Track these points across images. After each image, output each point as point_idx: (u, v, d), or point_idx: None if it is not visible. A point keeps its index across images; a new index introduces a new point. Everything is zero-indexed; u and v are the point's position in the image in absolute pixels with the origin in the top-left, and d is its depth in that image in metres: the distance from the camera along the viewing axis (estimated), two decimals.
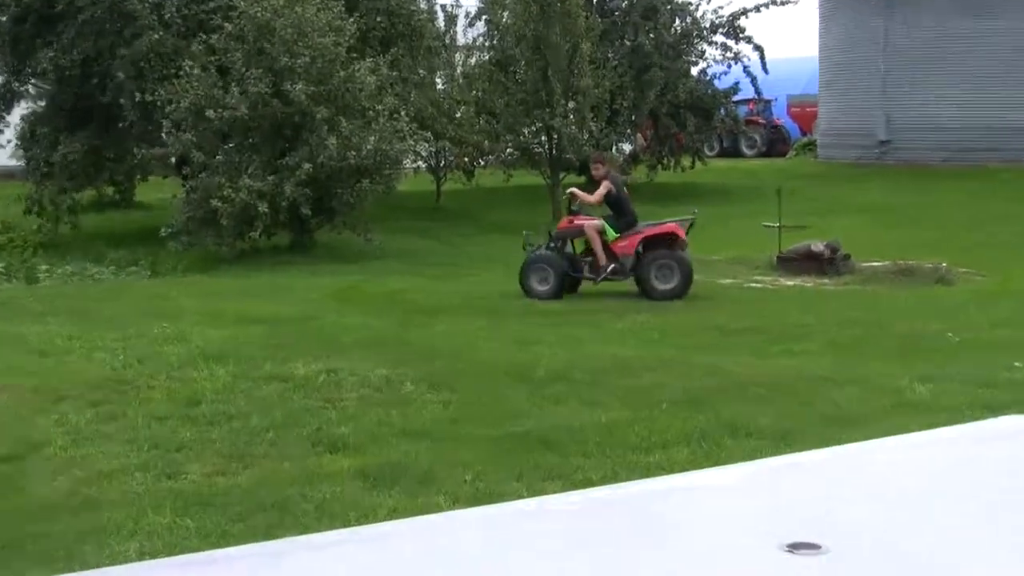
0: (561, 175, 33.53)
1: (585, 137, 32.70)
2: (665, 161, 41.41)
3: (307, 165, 24.08)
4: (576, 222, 19.25)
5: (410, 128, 25.76)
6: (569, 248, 19.42)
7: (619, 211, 19.20)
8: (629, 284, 19.15)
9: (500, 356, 13.24)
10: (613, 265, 18.96)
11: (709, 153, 45.69)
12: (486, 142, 33.86)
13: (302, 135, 24.93)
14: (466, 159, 36.60)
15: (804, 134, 55.81)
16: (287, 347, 13.46)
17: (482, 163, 36.88)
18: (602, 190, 19.00)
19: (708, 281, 20.67)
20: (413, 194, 35.10)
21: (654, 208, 25.38)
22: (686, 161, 41.58)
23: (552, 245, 19.24)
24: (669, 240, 18.90)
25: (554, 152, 33.12)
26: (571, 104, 32.37)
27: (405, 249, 26.41)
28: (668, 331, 15.56)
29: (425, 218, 32.60)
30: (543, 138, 33.08)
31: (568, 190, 20.27)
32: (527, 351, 13.63)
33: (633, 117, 38.60)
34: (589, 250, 19.22)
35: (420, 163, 35.70)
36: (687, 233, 19.05)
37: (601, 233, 18.98)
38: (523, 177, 36.28)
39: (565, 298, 18.79)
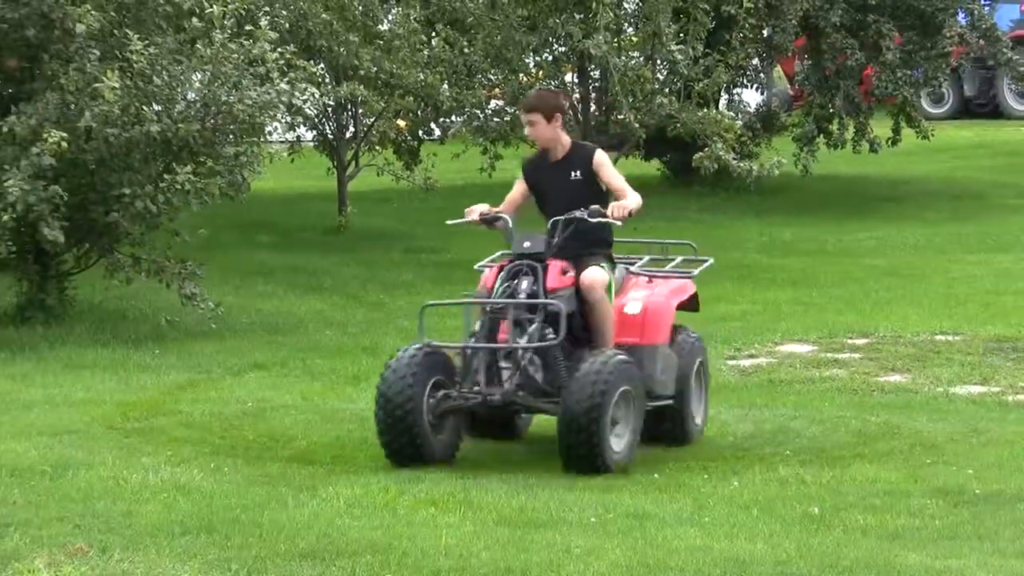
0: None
1: (660, 76, 18.86)
2: (835, 126, 22.30)
3: (54, 136, 12.51)
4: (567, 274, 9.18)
5: (282, 58, 13.85)
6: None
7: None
8: None
9: (470, 556, 6.91)
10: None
11: (934, 110, 27.59)
12: (445, 87, 18.38)
13: (41, 69, 13.50)
14: (402, 123, 20.05)
15: None
16: (9, 534, 7.30)
17: (438, 132, 21.24)
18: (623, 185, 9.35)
19: (927, 390, 11.32)
20: (288, 197, 22.25)
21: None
22: (881, 128, 22.37)
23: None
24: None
25: (593, 109, 19.82)
26: (627, 5, 19.75)
27: (273, 319, 15.00)
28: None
29: (316, 250, 19.04)
30: (570, 78, 19.81)
31: (613, 208, 9.12)
32: (526, 544, 7.15)
33: (766, 32, 22.67)
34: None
35: (301, 131, 20.08)
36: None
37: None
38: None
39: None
